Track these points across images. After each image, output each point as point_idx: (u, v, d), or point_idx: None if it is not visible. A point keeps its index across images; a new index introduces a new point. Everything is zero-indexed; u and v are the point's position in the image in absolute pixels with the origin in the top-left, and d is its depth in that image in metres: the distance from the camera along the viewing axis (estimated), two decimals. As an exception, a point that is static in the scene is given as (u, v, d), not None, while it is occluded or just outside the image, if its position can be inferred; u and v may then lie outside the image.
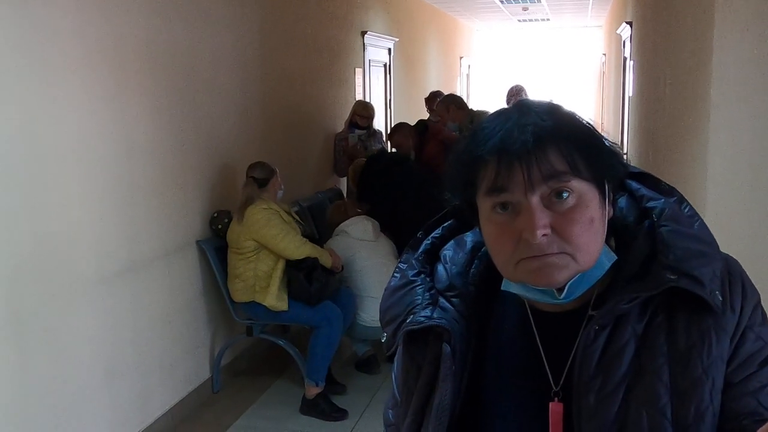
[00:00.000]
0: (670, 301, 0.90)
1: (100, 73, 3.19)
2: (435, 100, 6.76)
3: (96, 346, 3.23)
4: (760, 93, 2.56)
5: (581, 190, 0.88)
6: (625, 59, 7.25)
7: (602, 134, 0.94)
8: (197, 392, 4.10)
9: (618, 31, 7.70)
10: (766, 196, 2.59)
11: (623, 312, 0.90)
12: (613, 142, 0.94)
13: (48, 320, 2.93)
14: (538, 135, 0.87)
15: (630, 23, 6.57)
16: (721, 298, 0.89)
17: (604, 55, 11.85)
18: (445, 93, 6.49)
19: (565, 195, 0.87)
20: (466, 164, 0.92)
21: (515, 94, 7.71)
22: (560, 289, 0.90)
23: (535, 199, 0.87)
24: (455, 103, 6.01)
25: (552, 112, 0.91)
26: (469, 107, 6.29)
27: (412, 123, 6.18)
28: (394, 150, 5.99)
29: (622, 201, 0.99)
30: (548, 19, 12.78)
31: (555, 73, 15.99)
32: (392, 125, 8.47)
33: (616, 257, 0.94)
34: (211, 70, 4.18)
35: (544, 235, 0.86)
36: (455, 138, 5.53)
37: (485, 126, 0.92)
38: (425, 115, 6.36)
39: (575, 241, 0.88)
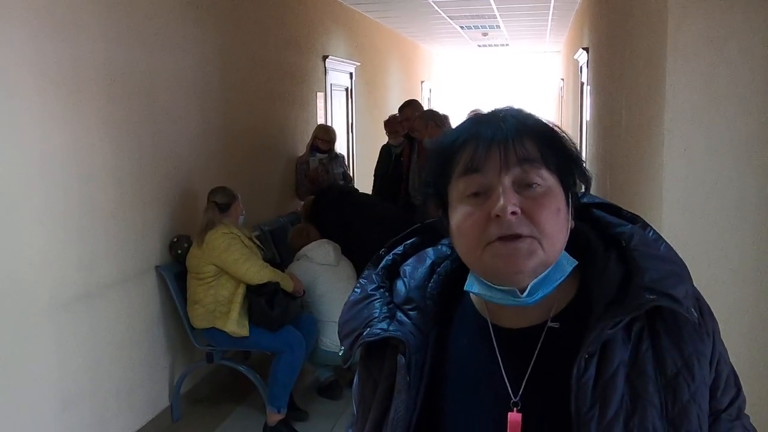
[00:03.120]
0: (651, 326, 0.93)
1: (59, 96, 3.16)
2: (395, 121, 6.29)
3: (51, 373, 3.15)
4: (711, 116, 2.62)
5: (549, 182, 0.93)
6: (582, 84, 7.38)
7: (571, 141, 0.99)
8: (156, 421, 4.02)
9: (575, 57, 7.84)
10: (720, 217, 2.65)
11: (609, 337, 0.91)
12: (579, 152, 0.99)
13: (0, 346, 2.86)
14: (516, 126, 0.94)
15: (586, 49, 6.70)
16: (696, 315, 0.93)
17: (563, 80, 12.04)
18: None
19: (534, 186, 0.92)
20: (444, 150, 0.97)
21: (474, 117, 7.71)
22: (522, 291, 0.92)
23: (507, 180, 0.91)
24: (434, 119, 5.76)
25: (528, 114, 0.98)
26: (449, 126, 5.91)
27: (375, 147, 6.12)
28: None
29: (586, 229, 1.02)
30: (507, 45, 12.97)
31: (515, 97, 16.19)
32: (354, 149, 8.52)
33: (576, 262, 0.97)
34: (170, 94, 4.15)
35: (513, 213, 0.89)
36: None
37: (464, 121, 1.00)
38: (386, 139, 6.25)
39: (543, 226, 0.91)
